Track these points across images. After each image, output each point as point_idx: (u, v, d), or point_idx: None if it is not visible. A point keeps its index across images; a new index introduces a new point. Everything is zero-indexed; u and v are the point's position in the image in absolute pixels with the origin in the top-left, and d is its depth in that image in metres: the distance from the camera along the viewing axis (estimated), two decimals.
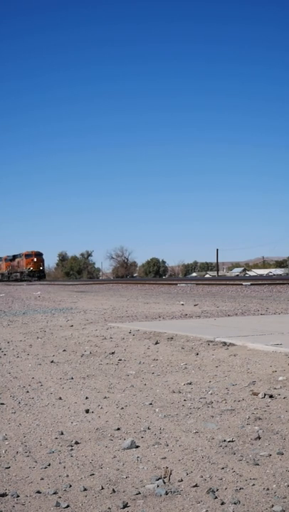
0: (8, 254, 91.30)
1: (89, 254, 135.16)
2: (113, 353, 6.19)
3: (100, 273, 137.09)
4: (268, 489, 2.47)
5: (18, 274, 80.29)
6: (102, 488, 2.55)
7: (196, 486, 2.54)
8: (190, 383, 4.54)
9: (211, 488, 2.48)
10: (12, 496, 2.51)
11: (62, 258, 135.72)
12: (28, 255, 78.29)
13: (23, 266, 78.24)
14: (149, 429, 3.39)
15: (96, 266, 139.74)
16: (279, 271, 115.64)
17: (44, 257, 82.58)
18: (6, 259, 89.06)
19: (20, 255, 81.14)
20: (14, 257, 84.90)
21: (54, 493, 2.52)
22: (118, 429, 3.42)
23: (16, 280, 79.98)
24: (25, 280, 74.73)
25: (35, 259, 77.66)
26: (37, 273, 77.31)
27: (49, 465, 2.87)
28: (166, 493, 2.48)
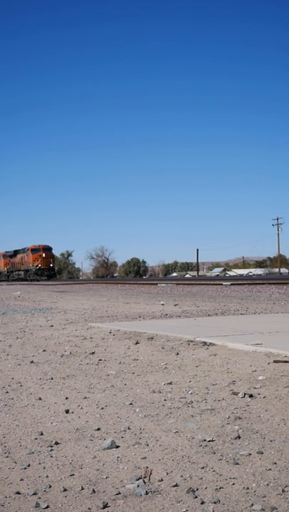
0: (6, 249, 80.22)
1: (69, 254, 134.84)
2: (93, 353, 6.18)
3: (80, 273, 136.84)
4: (247, 488, 2.48)
5: (22, 272, 69.91)
6: (82, 489, 2.55)
7: (176, 485, 2.54)
8: (170, 383, 4.54)
9: (191, 488, 2.49)
10: None
11: None
12: (35, 250, 67.22)
13: (28, 263, 67.44)
14: (129, 429, 3.39)
15: (76, 266, 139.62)
16: (259, 271, 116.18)
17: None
18: (4, 256, 77.71)
19: (24, 250, 70.27)
20: (16, 252, 74.27)
21: (34, 494, 2.51)
22: (98, 429, 3.41)
23: (19, 280, 69.08)
24: (32, 279, 64.70)
25: (43, 255, 66.62)
26: (46, 271, 66.39)
27: (29, 466, 2.85)
28: (147, 493, 2.47)
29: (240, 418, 3.49)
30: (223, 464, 2.76)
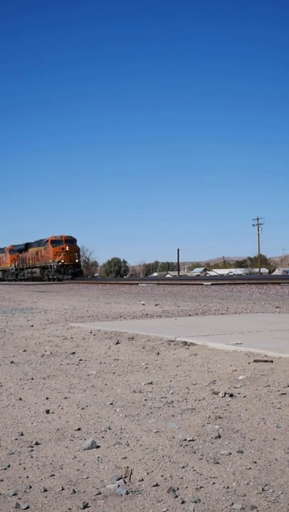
0: (13, 243, 67.77)
1: None
2: (74, 353, 6.16)
3: None
4: (228, 487, 2.49)
5: (38, 269, 57.40)
6: (63, 489, 2.54)
7: (156, 485, 2.54)
8: (151, 383, 4.54)
9: (171, 488, 2.49)
10: None
11: None
12: (55, 242, 54.61)
13: (47, 258, 54.91)
14: (109, 429, 3.39)
15: None
16: (239, 271, 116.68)
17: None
18: (11, 250, 66.04)
19: (41, 243, 57.67)
20: (28, 246, 61.72)
21: (14, 495, 2.49)
22: (79, 429, 3.41)
23: (33, 279, 57.72)
24: (51, 278, 53.43)
25: (67, 248, 53.86)
26: (71, 268, 53.61)
27: (9, 466, 2.84)
28: (127, 493, 2.47)
29: (220, 417, 3.51)
30: (204, 464, 2.77)
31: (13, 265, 65.15)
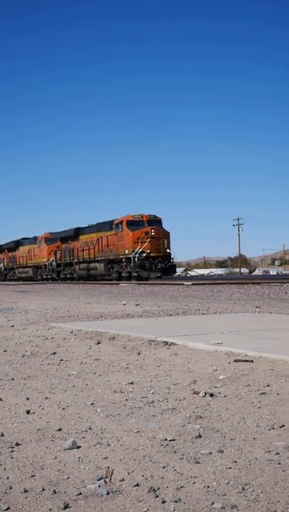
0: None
1: None
2: (54, 353, 6.15)
3: None
4: (208, 487, 2.50)
5: (99, 264, 41.40)
6: (43, 490, 2.53)
7: (137, 485, 2.55)
8: (132, 383, 4.55)
9: (152, 487, 2.50)
10: None
11: None
12: (134, 224, 37.99)
13: (121, 247, 38.19)
14: (90, 429, 3.39)
15: None
16: (220, 271, 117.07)
17: None
18: (48, 240, 49.44)
19: (106, 226, 41.04)
20: (79, 232, 45.10)
21: None
22: (59, 429, 3.40)
23: (91, 278, 43.54)
24: (129, 277, 37.79)
25: (152, 232, 37.13)
26: (160, 261, 37.09)
27: None
28: (108, 493, 2.47)
29: (201, 417, 3.52)
30: (184, 463, 2.78)
31: (52, 259, 48.54)
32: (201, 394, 4.04)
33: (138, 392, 4.27)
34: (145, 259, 36.87)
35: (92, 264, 42.64)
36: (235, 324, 8.02)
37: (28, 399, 4.17)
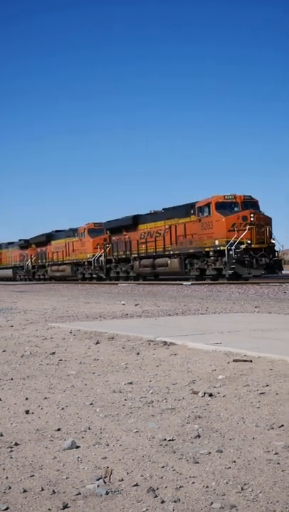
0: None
1: None
2: (54, 353, 6.15)
3: None
4: (207, 487, 2.50)
5: (177, 259, 32.00)
6: (42, 489, 2.53)
7: (136, 485, 2.55)
8: (131, 383, 4.55)
9: (151, 487, 2.50)
10: None
11: None
12: (225, 206, 28.95)
13: (207, 236, 29.02)
14: (89, 429, 3.39)
15: None
16: None
17: None
18: (92, 231, 40.83)
19: (182, 210, 31.82)
20: (138, 220, 36.42)
21: None
22: (58, 429, 3.40)
23: (169, 277, 35.79)
24: (216, 276, 29.41)
25: (252, 217, 28.12)
26: (263, 254, 27.93)
27: None
28: (107, 493, 2.48)
29: (200, 417, 3.52)
30: (183, 463, 2.78)
31: (99, 254, 39.89)
32: (200, 394, 4.04)
33: (137, 392, 4.27)
34: (244, 252, 27.48)
35: (159, 260, 33.64)
36: (235, 324, 8.02)
37: (27, 399, 4.17)
